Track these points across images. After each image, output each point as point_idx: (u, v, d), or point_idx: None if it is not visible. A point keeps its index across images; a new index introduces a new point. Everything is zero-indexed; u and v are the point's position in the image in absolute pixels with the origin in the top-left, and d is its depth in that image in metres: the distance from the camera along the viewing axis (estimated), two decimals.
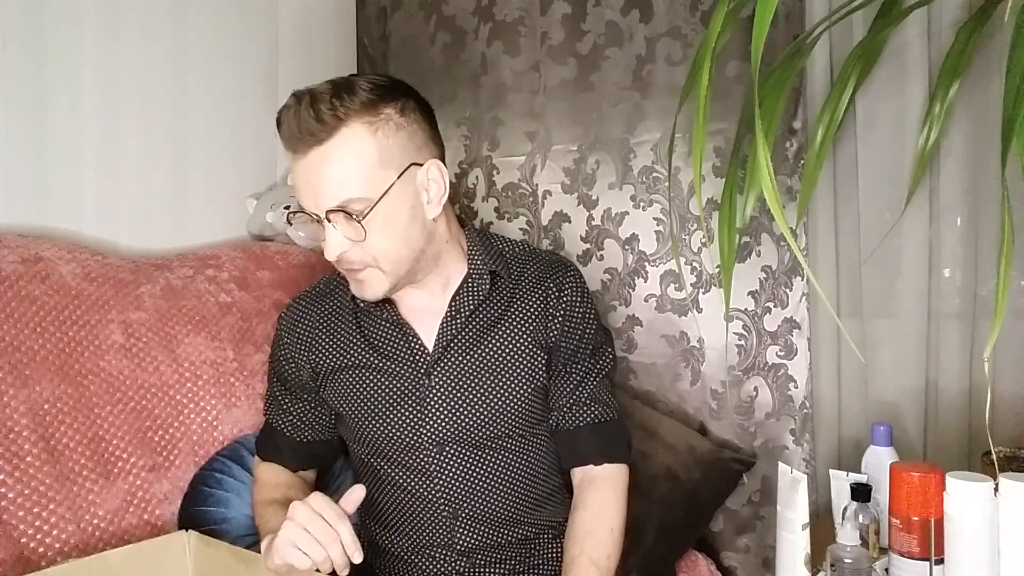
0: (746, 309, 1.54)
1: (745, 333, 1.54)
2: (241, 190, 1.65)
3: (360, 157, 0.93)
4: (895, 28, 1.30)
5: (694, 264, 1.57)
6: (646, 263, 1.62)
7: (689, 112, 1.23)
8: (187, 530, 1.02)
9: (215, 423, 1.26)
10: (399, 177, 0.95)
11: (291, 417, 1.16)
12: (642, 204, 1.61)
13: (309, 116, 0.91)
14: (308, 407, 1.15)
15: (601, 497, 1.08)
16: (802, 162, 1.45)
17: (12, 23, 1.26)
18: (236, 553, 0.98)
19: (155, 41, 1.46)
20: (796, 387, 1.50)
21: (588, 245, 1.67)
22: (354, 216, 0.94)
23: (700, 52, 1.09)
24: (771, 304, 1.52)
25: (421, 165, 0.99)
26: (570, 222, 1.69)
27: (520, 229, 1.74)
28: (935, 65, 1.32)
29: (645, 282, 1.62)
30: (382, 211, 0.95)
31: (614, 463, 1.11)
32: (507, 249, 1.14)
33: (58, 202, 1.33)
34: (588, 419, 1.11)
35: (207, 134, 1.57)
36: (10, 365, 1.08)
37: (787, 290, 1.51)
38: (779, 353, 1.52)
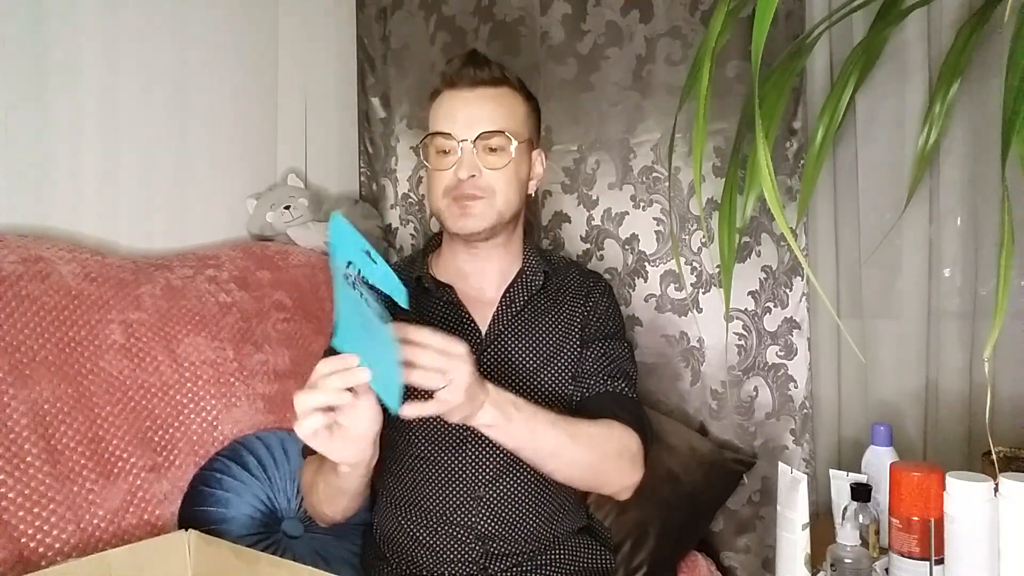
0: (746, 309, 1.54)
1: (745, 333, 1.54)
2: (241, 190, 1.65)
3: (516, 107, 1.15)
4: (895, 28, 1.30)
5: (694, 264, 1.57)
6: (646, 263, 1.62)
7: (689, 112, 1.23)
8: (187, 529, 1.02)
9: (215, 423, 1.26)
10: (527, 140, 1.16)
11: None
12: (642, 204, 1.61)
13: (484, 64, 1.12)
14: None
15: (614, 424, 1.07)
16: (802, 162, 1.45)
17: (12, 23, 1.26)
18: (237, 552, 0.97)
19: (155, 41, 1.46)
20: (796, 387, 1.50)
21: (588, 245, 1.67)
22: (507, 135, 1.11)
23: (700, 52, 1.09)
24: (771, 304, 1.52)
25: (535, 148, 1.19)
26: (570, 222, 1.69)
27: None
28: (935, 65, 1.32)
29: (645, 282, 1.62)
30: (517, 153, 1.12)
31: (626, 425, 1.09)
32: (553, 257, 1.29)
33: (58, 202, 1.33)
34: (605, 389, 1.15)
35: (207, 134, 1.57)
36: (10, 365, 1.07)
37: (787, 290, 1.51)
38: (779, 353, 1.52)
